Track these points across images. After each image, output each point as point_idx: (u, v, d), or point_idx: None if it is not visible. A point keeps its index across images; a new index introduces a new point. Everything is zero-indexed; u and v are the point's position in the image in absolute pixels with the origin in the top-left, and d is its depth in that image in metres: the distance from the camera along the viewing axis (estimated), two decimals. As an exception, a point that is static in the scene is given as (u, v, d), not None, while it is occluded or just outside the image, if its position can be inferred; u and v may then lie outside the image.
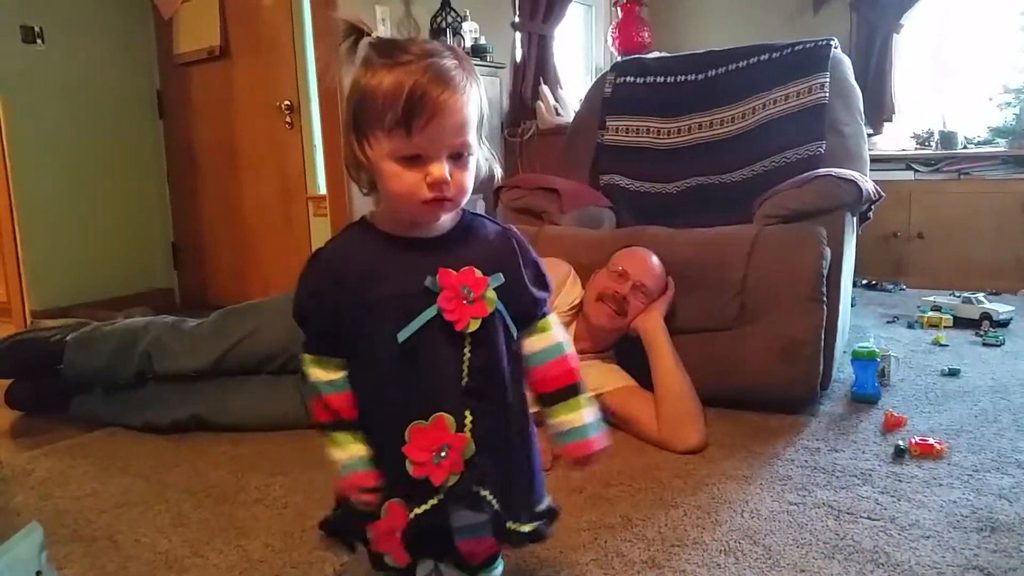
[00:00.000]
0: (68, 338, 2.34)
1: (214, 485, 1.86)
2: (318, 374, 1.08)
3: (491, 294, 1.02)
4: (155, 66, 4.15)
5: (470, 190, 1.03)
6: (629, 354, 2.19)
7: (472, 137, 1.00)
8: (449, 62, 0.99)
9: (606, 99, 3.22)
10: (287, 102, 3.69)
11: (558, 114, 4.32)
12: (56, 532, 1.64)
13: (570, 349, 1.12)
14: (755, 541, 1.52)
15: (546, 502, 1.15)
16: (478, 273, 1.02)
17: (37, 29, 3.62)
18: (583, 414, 1.10)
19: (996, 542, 1.49)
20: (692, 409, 2.01)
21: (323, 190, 3.68)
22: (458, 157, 1.00)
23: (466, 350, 1.02)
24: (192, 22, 3.93)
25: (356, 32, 1.02)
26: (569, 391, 1.10)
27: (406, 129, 0.95)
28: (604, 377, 2.13)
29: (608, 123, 3.17)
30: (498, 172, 1.11)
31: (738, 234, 2.31)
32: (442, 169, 0.97)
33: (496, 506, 1.03)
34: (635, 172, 3.06)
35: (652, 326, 2.11)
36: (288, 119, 3.71)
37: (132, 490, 1.85)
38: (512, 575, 1.40)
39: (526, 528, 1.07)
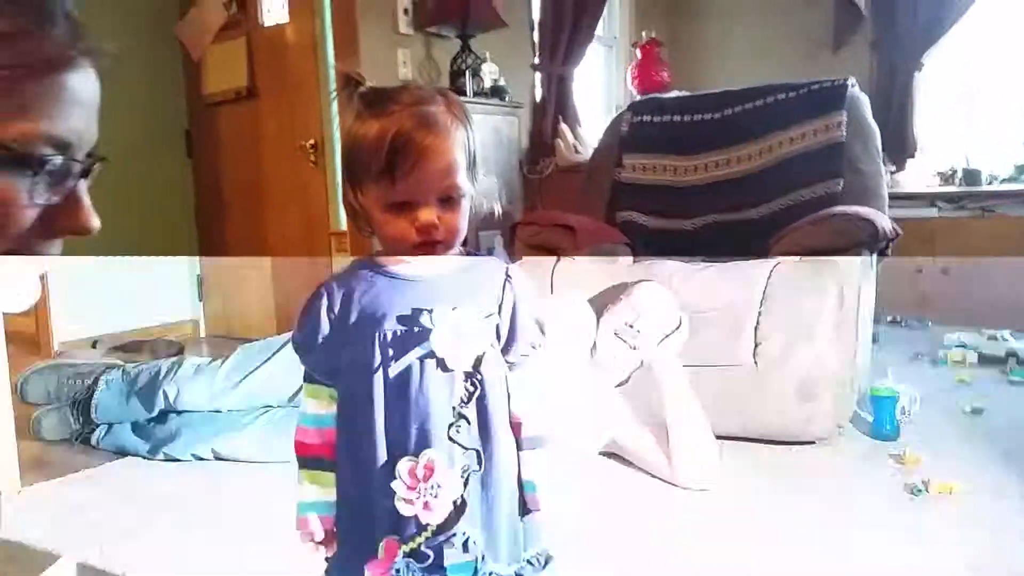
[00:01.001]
0: (101, 378, 2.39)
1: (231, 517, 1.87)
2: (312, 405, 1.09)
3: (485, 334, 1.03)
4: (183, 105, 4.26)
5: (463, 231, 1.04)
6: (644, 389, 2.18)
7: (461, 179, 1.01)
8: (435, 108, 1.00)
9: (623, 138, 3.25)
10: (312, 141, 3.77)
11: (577, 152, 4.36)
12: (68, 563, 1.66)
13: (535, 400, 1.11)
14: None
15: (540, 547, 1.15)
16: (474, 312, 1.03)
17: (71, 71, 3.73)
18: (523, 470, 1.08)
19: (1013, 585, 1.46)
20: (705, 446, 2.00)
21: (345, 226, 3.74)
22: (447, 200, 1.00)
23: (459, 387, 1.02)
24: (220, 63, 4.04)
25: (351, 83, 1.04)
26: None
27: (390, 177, 0.97)
28: (617, 411, 2.13)
29: (625, 161, 3.19)
30: (497, 209, 1.13)
31: (753, 271, 2.31)
32: (430, 214, 0.98)
33: (481, 547, 1.02)
34: (652, 209, 3.08)
35: (664, 362, 2.10)
36: (312, 158, 3.78)
37: (148, 521, 1.87)
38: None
39: (506, 572, 1.06)
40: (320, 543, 1.10)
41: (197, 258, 4.37)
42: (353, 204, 1.04)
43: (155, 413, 2.31)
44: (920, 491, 1.89)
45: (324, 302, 1.07)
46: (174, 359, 2.58)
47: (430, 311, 1.01)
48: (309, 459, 1.09)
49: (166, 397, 2.31)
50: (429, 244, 1.00)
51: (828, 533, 1.70)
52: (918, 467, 2.05)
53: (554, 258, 2.72)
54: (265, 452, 2.20)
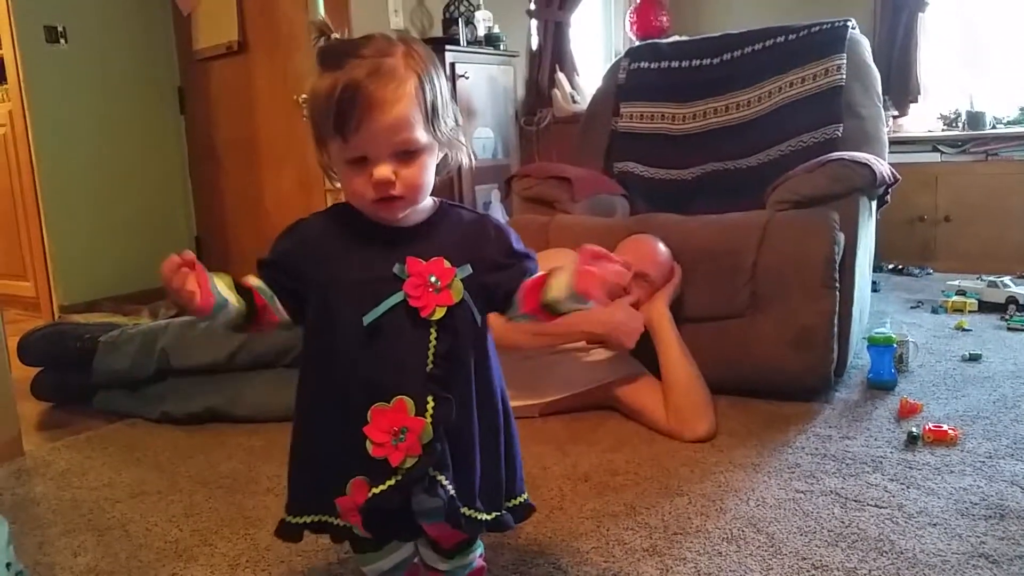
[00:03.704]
0: (101, 339, 2.40)
1: (226, 475, 1.89)
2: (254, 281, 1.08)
3: (458, 284, 1.04)
4: (175, 62, 4.20)
5: (425, 186, 1.04)
6: (639, 342, 2.17)
7: (419, 133, 1.00)
8: (390, 60, 0.99)
9: (620, 86, 3.20)
10: (305, 95, 3.71)
11: (575, 101, 4.30)
12: (72, 521, 1.68)
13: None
14: (759, 529, 1.51)
15: (523, 498, 1.16)
16: (447, 263, 1.04)
17: (60, 29, 3.68)
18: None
19: (1004, 529, 1.47)
20: (700, 399, 2.01)
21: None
22: (405, 154, 1.00)
23: (432, 337, 1.03)
24: (210, 18, 3.97)
25: (324, 34, 1.03)
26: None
27: (342, 132, 0.97)
28: (613, 366, 2.13)
29: (622, 110, 3.15)
30: (465, 162, 1.12)
31: (749, 220, 2.28)
32: (384, 170, 0.98)
33: (451, 492, 1.03)
34: (650, 159, 3.04)
35: (656, 315, 2.09)
36: (306, 112, 3.73)
37: (147, 480, 1.89)
38: (512, 563, 1.42)
39: (485, 516, 1.08)
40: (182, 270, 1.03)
41: (194, 218, 4.35)
42: (321, 160, 1.04)
43: (152, 372, 2.31)
44: (916, 437, 1.89)
45: (299, 233, 1.09)
46: (172, 319, 2.58)
47: (403, 261, 1.01)
48: (236, 283, 1.07)
49: (164, 356, 2.31)
50: (387, 200, 1.00)
51: (825, 481, 1.71)
52: (915, 415, 2.06)
53: (550, 213, 2.70)
54: (263, 411, 2.21)
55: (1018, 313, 3.01)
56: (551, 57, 4.45)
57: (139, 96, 4.06)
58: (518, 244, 1.12)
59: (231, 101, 4.03)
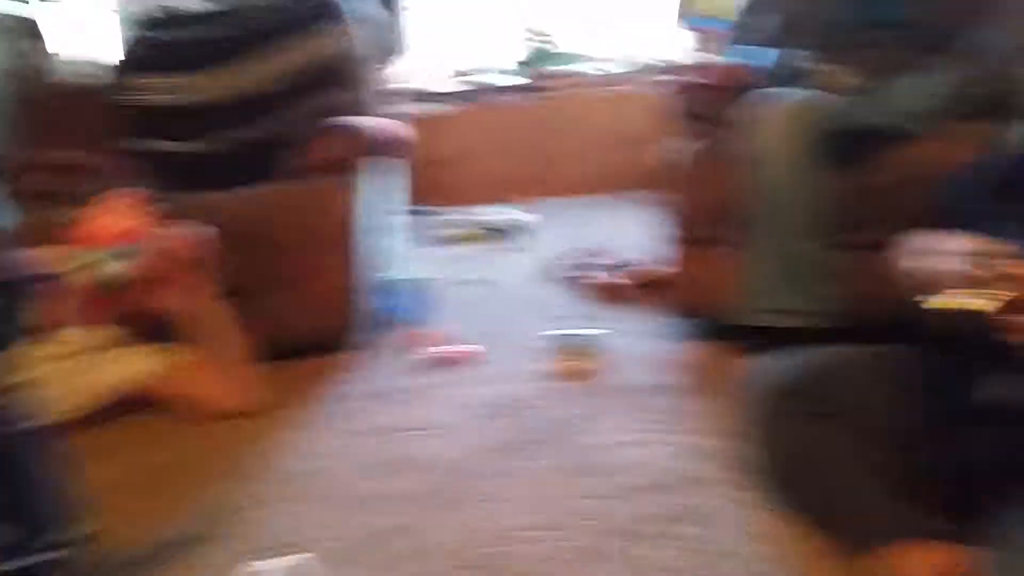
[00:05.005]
0: None
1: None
2: None
3: None
4: None
5: None
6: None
7: None
8: None
9: (127, 57, 3.03)
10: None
11: (78, 74, 3.93)
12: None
13: None
14: (320, 477, 1.67)
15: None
16: None
17: None
18: None
19: (516, 423, 1.82)
20: (241, 372, 2.04)
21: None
22: None
23: None
24: None
25: None
26: None
27: None
28: (142, 361, 2.03)
29: (130, 82, 2.97)
30: None
31: (262, 195, 2.39)
32: None
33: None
34: (161, 133, 2.91)
35: (193, 297, 2.04)
36: None
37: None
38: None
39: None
40: None
41: None
42: None
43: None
44: (432, 362, 2.21)
45: None
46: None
47: None
48: None
49: None
50: None
51: (365, 420, 1.93)
52: (429, 343, 2.31)
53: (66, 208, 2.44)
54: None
55: (513, 236, 3.59)
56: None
57: None
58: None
59: None
